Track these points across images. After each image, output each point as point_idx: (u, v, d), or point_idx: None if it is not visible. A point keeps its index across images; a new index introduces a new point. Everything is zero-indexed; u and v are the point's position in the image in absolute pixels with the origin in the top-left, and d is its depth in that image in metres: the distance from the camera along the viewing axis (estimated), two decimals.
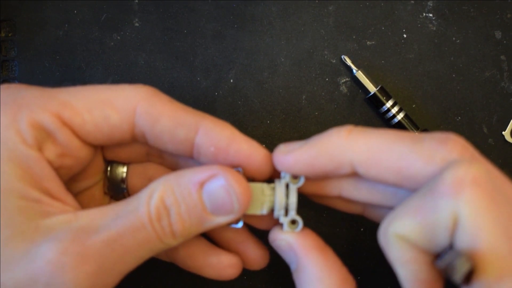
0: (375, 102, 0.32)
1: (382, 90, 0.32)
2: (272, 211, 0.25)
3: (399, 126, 0.32)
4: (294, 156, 0.23)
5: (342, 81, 0.33)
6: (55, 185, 0.22)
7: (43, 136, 0.22)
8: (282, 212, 0.24)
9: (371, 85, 0.32)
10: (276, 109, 0.33)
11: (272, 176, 0.25)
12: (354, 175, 0.24)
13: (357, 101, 0.33)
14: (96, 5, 0.33)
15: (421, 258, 0.21)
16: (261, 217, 0.26)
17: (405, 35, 0.33)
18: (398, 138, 0.22)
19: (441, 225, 0.19)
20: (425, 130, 0.32)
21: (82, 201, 0.26)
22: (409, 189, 0.22)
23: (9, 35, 0.33)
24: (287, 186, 0.24)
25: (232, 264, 0.26)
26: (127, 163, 0.27)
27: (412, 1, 0.33)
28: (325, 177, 0.24)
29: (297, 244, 0.24)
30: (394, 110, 0.31)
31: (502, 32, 0.33)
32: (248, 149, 0.24)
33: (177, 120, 0.23)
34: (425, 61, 0.33)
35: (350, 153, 0.22)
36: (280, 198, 0.24)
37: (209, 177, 0.22)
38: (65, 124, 0.23)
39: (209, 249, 0.27)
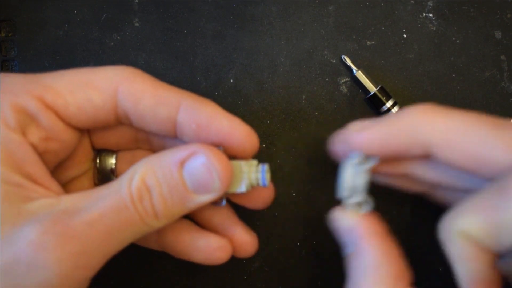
0: (375, 102, 0.32)
1: (382, 90, 0.32)
2: (251, 187, 0.24)
3: None
4: (368, 134, 0.23)
5: (342, 81, 0.33)
6: (38, 170, 0.22)
7: (26, 119, 0.22)
8: (349, 193, 0.24)
9: (371, 85, 0.32)
10: (276, 109, 0.33)
11: (254, 154, 0.25)
12: (426, 156, 0.23)
13: (357, 101, 0.33)
14: (96, 5, 0.33)
15: (483, 257, 0.20)
16: (249, 198, 0.26)
17: (405, 35, 0.33)
18: (478, 121, 0.21)
19: (510, 226, 0.19)
20: None
21: (72, 190, 0.26)
22: (483, 176, 0.21)
23: (9, 35, 0.33)
24: (354, 166, 0.23)
25: (221, 247, 0.26)
26: (116, 150, 0.27)
27: (412, 1, 0.33)
28: (395, 157, 0.23)
29: (360, 227, 0.23)
30: (394, 110, 0.31)
31: (502, 32, 0.33)
32: (229, 126, 0.23)
33: (159, 99, 0.23)
34: (425, 61, 0.33)
35: (427, 133, 0.22)
36: (348, 179, 0.23)
37: (189, 155, 0.22)
38: (48, 107, 0.23)
39: (198, 233, 0.26)
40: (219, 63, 0.33)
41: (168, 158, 0.22)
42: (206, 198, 0.23)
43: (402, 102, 0.33)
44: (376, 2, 0.33)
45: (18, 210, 0.21)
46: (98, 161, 0.27)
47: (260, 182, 0.24)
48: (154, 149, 0.27)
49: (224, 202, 0.24)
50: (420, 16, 0.33)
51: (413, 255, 0.33)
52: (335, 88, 0.33)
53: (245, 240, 0.27)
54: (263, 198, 0.27)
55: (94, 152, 0.27)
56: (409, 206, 0.33)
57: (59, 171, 0.25)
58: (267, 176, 0.24)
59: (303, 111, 0.33)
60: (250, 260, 0.32)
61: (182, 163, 0.22)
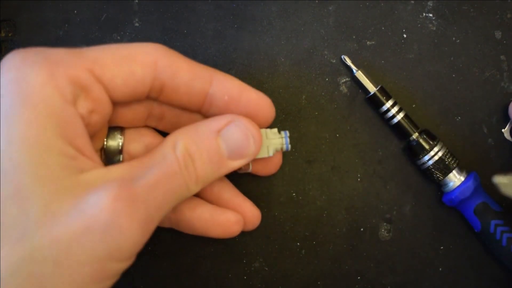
0: (375, 102, 0.32)
1: (382, 90, 0.32)
2: (275, 151, 0.27)
3: (399, 126, 0.32)
4: None
5: (342, 81, 0.33)
6: (86, 142, 0.23)
7: (78, 91, 0.22)
8: None
9: (371, 85, 0.32)
10: (276, 109, 0.32)
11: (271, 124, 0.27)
12: None
13: (357, 101, 0.33)
14: (96, 5, 0.33)
15: None
16: (265, 164, 0.29)
17: (405, 35, 0.33)
18: None
19: None
20: (425, 130, 0.32)
21: None
22: None
23: (9, 35, 0.33)
24: None
25: (237, 221, 0.28)
26: (123, 128, 0.28)
27: (412, 1, 0.33)
28: None
29: None
30: (394, 110, 0.31)
31: (502, 32, 0.33)
32: (257, 97, 0.26)
33: (194, 73, 0.25)
34: (425, 61, 0.33)
35: None
36: None
37: (226, 124, 0.24)
38: (97, 79, 0.23)
39: (215, 209, 0.28)
40: (219, 63, 0.33)
41: (205, 127, 0.24)
42: (238, 163, 0.25)
43: (402, 102, 0.33)
44: (376, 2, 0.33)
45: (76, 181, 0.21)
46: (106, 138, 0.27)
47: (284, 147, 0.27)
48: (163, 126, 0.28)
49: (251, 167, 0.27)
50: (420, 16, 0.33)
51: (413, 254, 0.33)
52: (335, 88, 0.33)
53: (254, 214, 0.29)
54: (275, 163, 0.30)
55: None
56: (409, 206, 0.33)
57: None
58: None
59: (303, 111, 0.33)
60: (250, 260, 0.32)
61: (218, 132, 0.24)
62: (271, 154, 0.26)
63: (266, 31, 0.33)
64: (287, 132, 0.27)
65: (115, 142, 0.27)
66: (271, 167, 0.30)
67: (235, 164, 0.25)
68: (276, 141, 0.27)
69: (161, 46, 0.25)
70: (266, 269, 0.32)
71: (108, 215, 0.20)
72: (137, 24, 0.33)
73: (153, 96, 0.25)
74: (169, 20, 0.33)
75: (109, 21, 0.33)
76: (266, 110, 0.26)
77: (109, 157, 0.27)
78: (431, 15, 0.33)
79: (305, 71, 0.33)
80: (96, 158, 0.23)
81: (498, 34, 0.33)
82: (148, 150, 0.27)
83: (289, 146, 0.27)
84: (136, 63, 0.24)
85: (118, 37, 0.33)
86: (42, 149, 0.21)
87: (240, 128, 0.24)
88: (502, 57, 0.33)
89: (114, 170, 0.22)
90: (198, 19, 0.33)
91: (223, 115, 0.25)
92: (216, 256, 0.32)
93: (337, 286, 0.33)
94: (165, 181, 0.22)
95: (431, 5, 0.33)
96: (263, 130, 0.26)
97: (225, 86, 0.25)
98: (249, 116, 0.26)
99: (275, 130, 0.27)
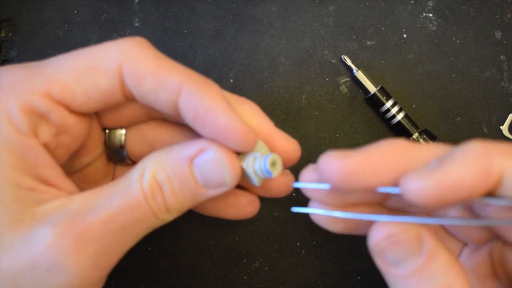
0: (375, 102, 0.32)
1: (382, 90, 0.32)
2: (263, 179, 0.24)
3: (399, 126, 0.32)
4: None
5: (342, 81, 0.33)
6: (51, 171, 0.22)
7: (36, 119, 0.22)
8: None
9: (371, 85, 0.32)
10: (276, 109, 0.33)
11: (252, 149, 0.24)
12: None
13: (357, 101, 0.33)
14: (96, 5, 0.33)
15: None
16: (265, 187, 0.26)
17: (405, 35, 0.33)
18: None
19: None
20: (425, 130, 0.32)
21: (88, 175, 0.26)
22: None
23: (9, 35, 0.33)
24: None
25: (250, 202, 0.27)
26: (127, 126, 0.27)
27: (412, 1, 0.33)
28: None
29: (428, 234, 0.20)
30: (394, 110, 0.31)
31: (502, 32, 0.33)
32: (225, 122, 0.22)
33: (160, 81, 0.22)
34: (425, 61, 0.33)
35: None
36: None
37: (198, 152, 0.22)
38: (57, 102, 0.22)
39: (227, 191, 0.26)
40: (219, 63, 0.33)
41: (177, 154, 0.22)
42: (217, 191, 0.23)
43: (402, 102, 0.33)
44: (376, 2, 0.33)
45: (31, 213, 0.21)
46: (107, 137, 0.27)
47: (266, 174, 0.23)
48: (168, 119, 0.27)
49: (257, 183, 0.24)
50: (420, 16, 0.33)
51: None
52: (335, 88, 0.33)
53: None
54: (280, 186, 0.27)
55: (104, 132, 0.27)
56: None
57: (75, 160, 0.25)
58: (276, 167, 0.23)
59: (303, 111, 0.33)
60: (250, 260, 0.32)
61: (191, 159, 0.22)
62: (256, 184, 0.24)
63: (266, 31, 0.33)
64: (268, 158, 0.23)
65: (115, 140, 0.27)
66: (276, 192, 0.27)
67: (213, 192, 0.23)
68: (256, 170, 0.23)
69: (129, 45, 0.23)
70: (266, 269, 0.32)
71: (51, 253, 0.20)
72: (137, 24, 0.33)
73: (131, 98, 0.24)
74: (169, 20, 0.33)
75: (109, 21, 0.33)
76: (236, 139, 0.22)
77: (115, 154, 0.27)
78: (431, 15, 0.33)
79: (305, 71, 0.33)
80: (64, 183, 0.22)
81: (498, 34, 0.33)
82: (152, 148, 0.27)
83: (274, 173, 0.23)
84: (99, 73, 0.22)
85: (118, 37, 0.33)
86: None
87: (211, 157, 0.22)
88: (502, 57, 0.33)
89: (76, 199, 0.21)
90: (198, 19, 0.33)
91: (196, 140, 0.23)
92: (216, 256, 0.32)
93: (337, 286, 0.33)
94: (126, 213, 0.21)
95: (431, 5, 0.33)
96: (246, 159, 0.23)
97: (191, 102, 0.22)
98: (218, 139, 0.22)
99: (258, 154, 0.23)
